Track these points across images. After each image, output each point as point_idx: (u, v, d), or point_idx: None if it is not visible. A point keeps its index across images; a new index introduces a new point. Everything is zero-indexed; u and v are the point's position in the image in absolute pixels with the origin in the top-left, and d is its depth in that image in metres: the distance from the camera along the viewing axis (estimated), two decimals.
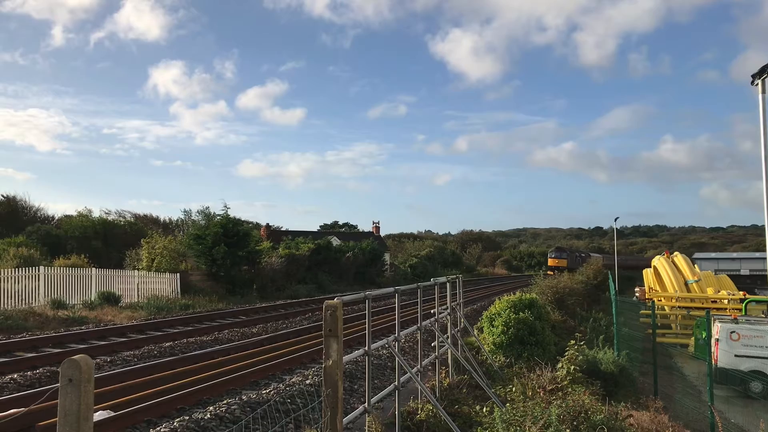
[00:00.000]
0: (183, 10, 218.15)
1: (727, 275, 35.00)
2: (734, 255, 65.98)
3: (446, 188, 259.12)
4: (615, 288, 24.51)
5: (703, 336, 19.46)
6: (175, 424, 8.38)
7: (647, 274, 34.15)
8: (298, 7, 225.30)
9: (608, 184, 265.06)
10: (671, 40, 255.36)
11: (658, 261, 32.12)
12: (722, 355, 16.69)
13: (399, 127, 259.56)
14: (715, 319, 17.67)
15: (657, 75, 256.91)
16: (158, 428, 8.27)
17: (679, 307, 27.17)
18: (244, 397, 10.11)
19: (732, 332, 16.93)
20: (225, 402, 9.78)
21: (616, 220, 57.63)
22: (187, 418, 8.73)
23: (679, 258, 31.85)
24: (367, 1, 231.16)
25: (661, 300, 27.64)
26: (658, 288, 30.84)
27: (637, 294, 35.10)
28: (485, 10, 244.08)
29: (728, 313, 22.49)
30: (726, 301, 26.58)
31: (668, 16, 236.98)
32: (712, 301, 27.17)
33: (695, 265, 33.48)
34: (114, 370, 12.82)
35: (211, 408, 9.38)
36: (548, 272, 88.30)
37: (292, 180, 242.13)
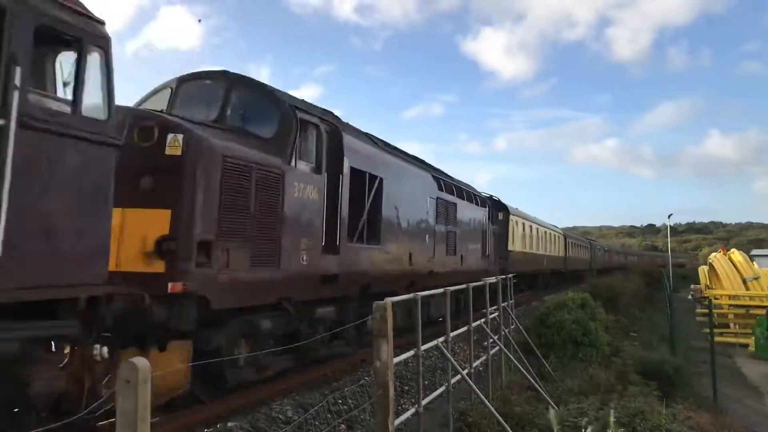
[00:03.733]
0: (214, 17, 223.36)
1: None
2: None
3: (488, 187, 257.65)
4: (670, 286, 23.93)
5: (765, 335, 18.85)
6: (229, 424, 8.49)
7: (703, 271, 33.22)
8: (325, 10, 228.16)
9: (655, 180, 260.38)
10: (710, 32, 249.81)
11: (715, 258, 31.23)
12: None
13: (441, 126, 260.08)
14: None
15: (698, 68, 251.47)
16: (211, 429, 8.39)
17: (737, 305, 26.34)
18: (296, 398, 10.19)
19: None
20: (278, 403, 9.87)
21: (669, 216, 55.17)
22: (240, 417, 8.84)
23: (736, 255, 30.89)
24: (393, 3, 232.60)
25: (718, 298, 26.85)
26: (714, 286, 29.98)
27: (692, 292, 34.19)
28: (515, 8, 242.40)
29: None
30: None
31: (705, 8, 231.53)
32: None
33: (753, 263, 32.40)
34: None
35: (263, 409, 9.48)
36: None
37: None
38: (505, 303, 13.43)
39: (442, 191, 17.21)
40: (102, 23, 6.29)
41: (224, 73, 10.32)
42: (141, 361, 3.03)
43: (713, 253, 32.92)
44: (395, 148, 16.05)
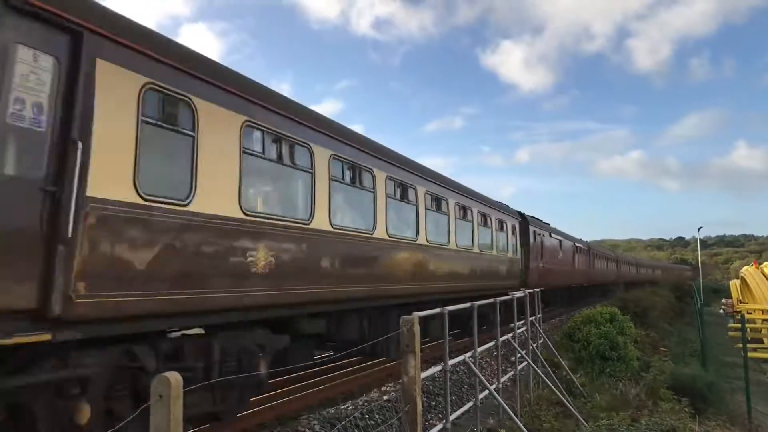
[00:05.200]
0: (234, 34, 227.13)
1: None
2: None
3: (512, 201, 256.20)
4: (701, 301, 23.54)
5: None
6: None
7: (735, 285, 32.67)
8: (343, 26, 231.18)
9: (682, 192, 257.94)
10: (733, 42, 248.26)
11: (747, 272, 30.70)
12: None
13: (463, 140, 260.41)
14: None
15: (721, 79, 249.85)
16: None
17: None
18: (323, 413, 10.18)
19: None
20: (305, 417, 9.87)
21: (699, 229, 54.44)
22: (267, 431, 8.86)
23: None
24: (410, 18, 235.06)
25: (751, 313, 26.34)
26: (747, 300, 29.43)
27: (724, 307, 33.62)
28: (533, 21, 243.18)
29: None
30: None
31: (727, 18, 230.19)
32: None
33: None
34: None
35: (290, 423, 9.48)
36: None
37: None
38: (533, 317, 13.32)
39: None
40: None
41: None
42: (174, 376, 3.05)
43: (745, 267, 32.38)
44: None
